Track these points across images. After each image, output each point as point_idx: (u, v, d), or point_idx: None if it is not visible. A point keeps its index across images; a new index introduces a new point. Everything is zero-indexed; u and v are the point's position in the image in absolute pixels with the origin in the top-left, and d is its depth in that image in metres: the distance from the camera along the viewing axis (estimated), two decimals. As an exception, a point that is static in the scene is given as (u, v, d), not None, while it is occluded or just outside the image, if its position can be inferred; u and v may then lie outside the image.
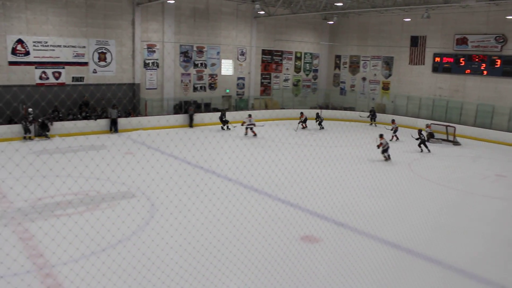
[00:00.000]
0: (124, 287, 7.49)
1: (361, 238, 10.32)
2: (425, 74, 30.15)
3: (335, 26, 34.59)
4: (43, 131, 20.93)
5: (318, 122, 27.16)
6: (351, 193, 13.50)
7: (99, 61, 24.96)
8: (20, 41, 22.44)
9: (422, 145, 20.97)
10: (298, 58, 34.75)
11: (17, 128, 20.90)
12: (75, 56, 24.15)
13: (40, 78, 23.23)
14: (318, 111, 28.34)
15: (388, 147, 18.54)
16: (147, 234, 9.80)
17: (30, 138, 20.68)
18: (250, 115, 23.95)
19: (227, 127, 25.63)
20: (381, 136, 18.58)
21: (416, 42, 30.35)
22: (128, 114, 24.91)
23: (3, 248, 8.69)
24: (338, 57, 36.08)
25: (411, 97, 30.59)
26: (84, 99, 24.13)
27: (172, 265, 8.21)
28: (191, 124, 25.76)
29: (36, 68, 23.07)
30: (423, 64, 30.14)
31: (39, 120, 21.19)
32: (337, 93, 35.99)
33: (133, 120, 24.45)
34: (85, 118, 23.13)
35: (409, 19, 29.57)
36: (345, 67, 35.59)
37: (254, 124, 23.49)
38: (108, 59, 25.26)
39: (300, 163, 17.03)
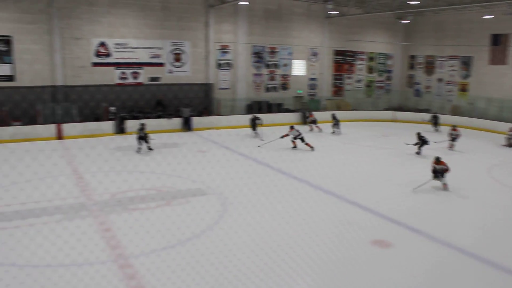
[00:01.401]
0: (192, 284, 7.72)
1: (436, 245, 9.93)
2: (508, 74, 28.54)
3: (409, 25, 33.54)
4: (122, 129, 21.98)
5: (333, 124, 24.54)
6: (426, 199, 13.08)
7: (174, 62, 25.85)
8: (102, 44, 23.75)
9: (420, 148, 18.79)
10: (371, 59, 34.12)
11: (105, 126, 22.24)
12: (152, 57, 25.17)
13: (120, 78, 24.46)
14: (334, 112, 26.35)
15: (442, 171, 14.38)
16: (216, 233, 10.03)
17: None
18: (292, 127, 20.12)
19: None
20: (437, 160, 14.23)
21: (497, 40, 28.77)
22: (201, 113, 25.59)
23: (82, 239, 9.22)
24: (412, 57, 35.00)
25: (491, 99, 29.09)
26: (159, 98, 25.09)
27: (239, 265, 8.36)
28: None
29: (116, 68, 24.32)
30: (505, 64, 28.57)
31: (120, 117, 22.36)
32: (411, 94, 34.95)
33: (206, 120, 25.08)
34: (160, 116, 24.04)
35: (489, 16, 28.09)
36: (420, 68, 34.47)
37: (300, 134, 19.63)
38: (183, 60, 26.11)
39: (371, 165, 16.77)
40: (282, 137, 19.48)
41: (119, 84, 24.43)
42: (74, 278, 7.88)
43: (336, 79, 32.67)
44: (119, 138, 21.05)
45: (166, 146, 19.79)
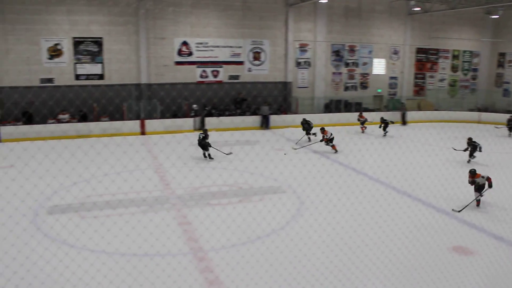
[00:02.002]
0: (269, 280, 7.74)
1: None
2: None
3: (499, 20, 31.67)
4: (202, 126, 22.57)
5: (382, 126, 23.03)
6: (506, 204, 12.36)
7: (253, 60, 26.17)
8: (185, 43, 24.53)
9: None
10: (455, 57, 32.67)
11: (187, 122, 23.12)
12: (232, 55, 25.64)
13: (201, 76, 25.13)
14: (383, 114, 25.13)
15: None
16: (295, 230, 10.03)
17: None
18: (324, 129, 18.78)
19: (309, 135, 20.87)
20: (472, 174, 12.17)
21: None
22: (280, 112, 25.73)
23: (166, 231, 9.57)
24: (502, 54, 33.05)
25: None
26: (239, 96, 25.51)
27: (317, 264, 8.30)
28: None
29: (197, 67, 25.01)
30: None
31: (202, 114, 23.03)
32: (500, 94, 33.06)
33: (283, 118, 25.19)
34: (239, 114, 24.43)
35: None
36: (510, 66, 32.55)
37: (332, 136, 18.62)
38: (262, 58, 26.36)
39: (457, 168, 16.09)
40: (322, 140, 18.62)
41: (200, 82, 25.12)
42: (158, 268, 8.18)
43: (417, 78, 31.62)
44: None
45: (248, 143, 20.09)
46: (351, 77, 29.18)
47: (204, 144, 16.83)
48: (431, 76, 32.07)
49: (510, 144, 20.45)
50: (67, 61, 22.99)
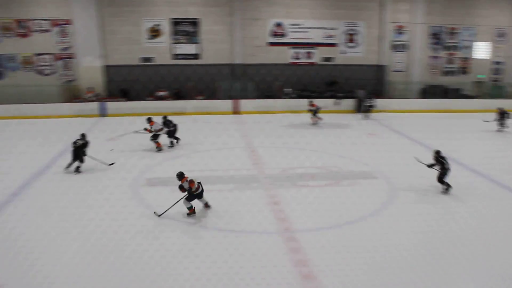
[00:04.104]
0: (355, 267, 7.59)
1: None
2: None
3: None
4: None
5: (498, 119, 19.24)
6: None
7: (347, 42, 25.61)
8: (278, 24, 24.53)
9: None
10: None
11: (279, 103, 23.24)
12: (326, 37, 25.25)
13: (294, 57, 25.06)
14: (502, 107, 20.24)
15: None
16: (384, 218, 9.73)
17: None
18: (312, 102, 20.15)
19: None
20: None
21: None
22: (374, 96, 25.04)
23: (252, 210, 9.78)
24: None
25: None
26: (333, 79, 25.17)
27: (405, 254, 8.03)
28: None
29: (290, 48, 24.94)
30: None
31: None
32: None
33: (379, 102, 24.46)
34: (332, 96, 24.08)
35: None
36: None
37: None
38: (357, 40, 25.72)
39: None
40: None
41: (293, 64, 25.07)
42: (242, 245, 8.34)
43: (527, 62, 29.23)
44: (292, 115, 21.68)
45: (339, 126, 19.85)
46: (450, 61, 27.61)
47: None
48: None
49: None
50: (165, 41, 23.96)
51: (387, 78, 26.21)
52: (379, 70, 26.22)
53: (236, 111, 22.71)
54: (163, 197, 10.26)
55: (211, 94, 23.57)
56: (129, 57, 23.84)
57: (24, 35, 23.78)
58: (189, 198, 9.42)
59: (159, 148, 14.87)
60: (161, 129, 14.95)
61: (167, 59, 24.06)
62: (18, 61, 23.99)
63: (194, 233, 8.90)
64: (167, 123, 15.44)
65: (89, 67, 23.57)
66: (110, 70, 23.86)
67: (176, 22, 23.85)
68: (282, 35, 24.78)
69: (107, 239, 8.41)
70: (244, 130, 18.86)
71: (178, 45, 24.06)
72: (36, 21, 23.62)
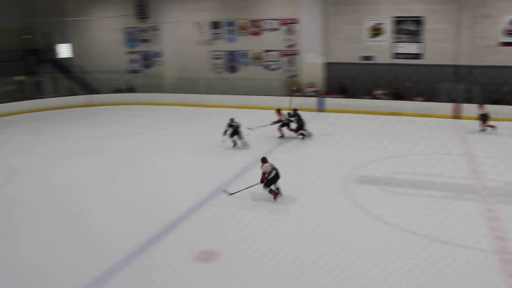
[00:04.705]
0: None
1: None
2: None
3: None
4: None
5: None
6: None
7: None
8: (514, 22, 22.33)
9: None
10: None
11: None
12: None
13: (531, 60, 22.53)
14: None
15: None
16: None
17: None
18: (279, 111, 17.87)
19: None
20: None
21: None
22: None
23: (464, 220, 9.33)
24: None
25: None
26: None
27: None
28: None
29: (527, 49, 22.51)
30: None
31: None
32: None
33: None
34: None
35: None
36: None
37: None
38: None
39: None
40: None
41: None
42: (449, 254, 8.06)
43: None
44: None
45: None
46: None
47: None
48: None
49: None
50: (386, 40, 23.87)
51: None
52: None
53: (457, 116, 21.44)
54: (371, 195, 10.51)
55: (431, 95, 22.70)
56: (350, 55, 24.46)
57: (256, 34, 26.25)
58: (265, 185, 10.70)
59: (281, 135, 17.34)
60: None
61: (387, 58, 23.95)
62: (250, 57, 26.62)
63: (405, 239, 8.90)
64: (294, 115, 17.31)
65: (311, 64, 24.93)
66: (330, 67, 24.88)
67: (398, 21, 23.53)
68: (517, 34, 22.49)
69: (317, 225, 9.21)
70: (464, 136, 17.78)
71: (399, 44, 23.73)
72: (267, 20, 25.84)
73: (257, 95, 24.76)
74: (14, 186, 12.98)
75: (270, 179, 10.74)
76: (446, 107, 21.66)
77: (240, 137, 16.13)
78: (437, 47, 23.16)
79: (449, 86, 22.59)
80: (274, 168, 10.79)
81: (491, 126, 18.22)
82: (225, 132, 15.88)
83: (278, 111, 17.48)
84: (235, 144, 16.19)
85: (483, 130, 18.30)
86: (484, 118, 18.34)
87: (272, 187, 10.80)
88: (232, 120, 16.09)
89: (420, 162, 13.65)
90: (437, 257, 8.03)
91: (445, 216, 9.53)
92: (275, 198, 10.75)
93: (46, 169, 14.16)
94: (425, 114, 21.39)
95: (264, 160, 10.99)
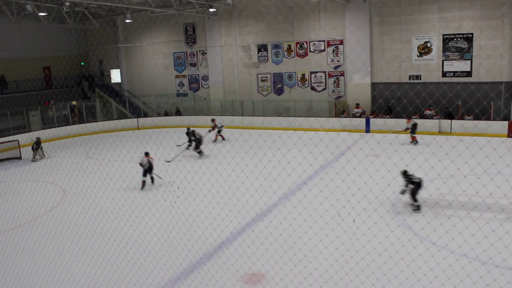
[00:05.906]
0: None
1: None
2: None
3: None
4: None
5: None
6: None
7: None
8: None
9: None
10: None
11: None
12: None
13: None
14: None
15: None
16: None
17: None
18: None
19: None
20: None
21: None
22: None
23: (504, 239, 8.97)
24: None
25: None
26: None
27: None
28: None
29: None
30: None
31: None
32: None
33: None
34: None
35: None
36: None
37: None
38: None
39: None
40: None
41: None
42: (501, 277, 7.83)
43: None
44: None
45: None
46: None
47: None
48: None
49: None
50: (435, 58, 23.45)
51: None
52: None
53: (510, 134, 20.67)
54: (419, 215, 10.25)
55: (482, 114, 21.96)
56: (397, 74, 24.18)
57: (302, 56, 26.38)
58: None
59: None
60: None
61: (436, 77, 23.49)
62: (296, 79, 26.73)
63: (455, 262, 8.60)
64: (190, 134, 20.44)
65: (358, 84, 24.76)
66: (376, 87, 24.63)
67: (447, 38, 23.09)
68: None
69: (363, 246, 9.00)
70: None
71: (448, 62, 23.23)
72: (313, 42, 25.95)
73: (303, 116, 24.80)
74: (67, 207, 13.48)
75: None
76: (498, 125, 20.93)
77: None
78: (488, 64, 22.55)
79: (502, 103, 21.84)
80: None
81: None
82: (188, 146, 20.13)
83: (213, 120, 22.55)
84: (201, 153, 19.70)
85: None
86: None
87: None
88: (193, 131, 19.88)
89: (470, 182, 13.15)
90: (489, 280, 7.73)
91: (496, 238, 9.15)
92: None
93: (96, 191, 14.65)
94: (476, 134, 20.66)
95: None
